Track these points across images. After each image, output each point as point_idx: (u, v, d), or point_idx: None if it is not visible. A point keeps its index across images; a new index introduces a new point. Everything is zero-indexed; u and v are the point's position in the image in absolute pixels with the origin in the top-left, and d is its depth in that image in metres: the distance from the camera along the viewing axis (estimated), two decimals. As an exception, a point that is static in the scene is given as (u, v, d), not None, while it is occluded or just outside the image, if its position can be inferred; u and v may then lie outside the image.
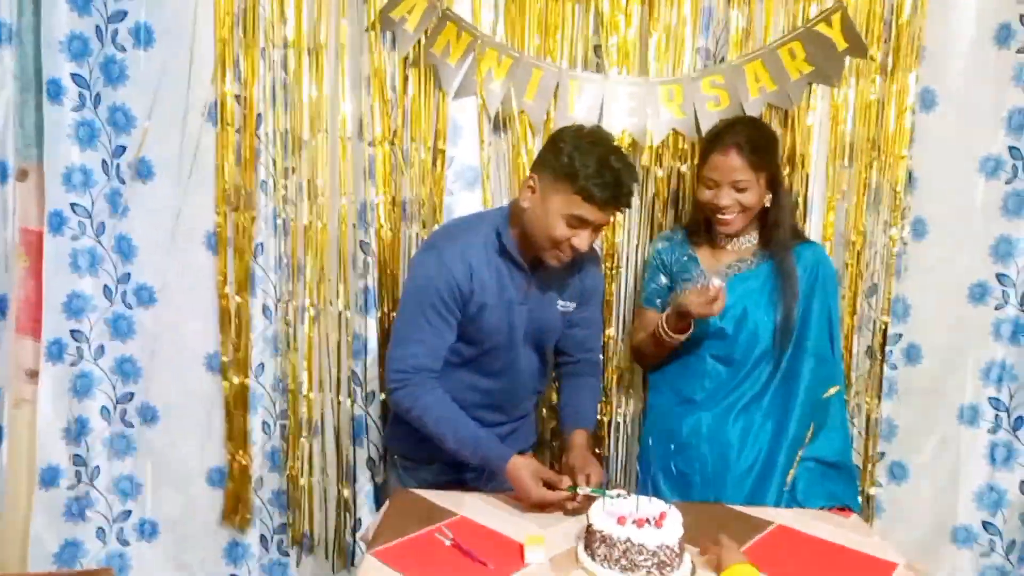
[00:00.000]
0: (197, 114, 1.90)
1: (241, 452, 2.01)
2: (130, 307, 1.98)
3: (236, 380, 1.99)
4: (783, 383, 1.64)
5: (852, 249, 1.93)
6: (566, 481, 1.41)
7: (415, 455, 1.65)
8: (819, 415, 1.63)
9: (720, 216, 1.63)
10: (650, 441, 1.75)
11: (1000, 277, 1.95)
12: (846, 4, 1.83)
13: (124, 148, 1.93)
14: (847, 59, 1.86)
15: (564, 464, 1.56)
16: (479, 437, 1.46)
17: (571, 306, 1.64)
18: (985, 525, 2.00)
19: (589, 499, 1.35)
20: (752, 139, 1.60)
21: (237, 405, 2.00)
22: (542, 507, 1.40)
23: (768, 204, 1.64)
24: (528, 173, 1.51)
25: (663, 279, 1.76)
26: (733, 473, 1.61)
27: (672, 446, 1.67)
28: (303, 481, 2.03)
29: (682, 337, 1.62)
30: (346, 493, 2.02)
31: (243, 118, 1.90)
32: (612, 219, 1.51)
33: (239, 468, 2.01)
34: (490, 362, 1.58)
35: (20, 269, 1.93)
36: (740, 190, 1.60)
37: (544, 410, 2.00)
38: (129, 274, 1.97)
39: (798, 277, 1.63)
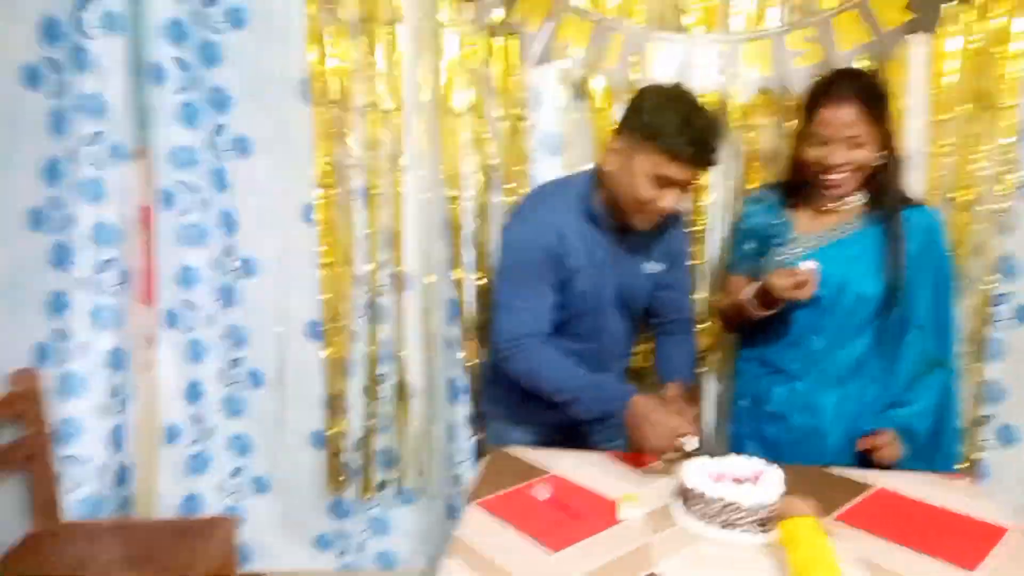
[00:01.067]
0: (289, 91, 1.97)
1: (341, 417, 2.12)
2: (236, 278, 2.11)
3: (336, 348, 2.08)
4: (884, 356, 1.54)
5: (957, 206, 1.84)
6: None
7: (511, 416, 1.70)
8: (919, 390, 1.54)
9: (829, 177, 1.50)
10: (740, 405, 1.73)
11: (1118, 231, 1.82)
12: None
13: (223, 127, 2.03)
14: (945, 4, 1.75)
15: None
16: (599, 380, 1.48)
17: (658, 268, 1.63)
18: (1101, 491, 1.91)
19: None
20: (867, 90, 1.47)
21: (337, 371, 2.10)
22: (659, 450, 1.38)
23: (880, 162, 1.51)
24: (613, 136, 1.49)
25: (751, 244, 1.67)
26: (828, 445, 1.56)
27: (762, 413, 1.64)
28: (405, 439, 2.13)
29: (769, 313, 1.54)
30: (448, 450, 2.10)
31: (332, 93, 1.95)
32: (699, 178, 1.48)
33: (339, 433, 2.12)
34: (578, 326, 1.60)
35: (137, 243, 2.07)
36: (855, 146, 1.46)
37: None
38: (233, 247, 2.09)
39: (906, 244, 1.51)
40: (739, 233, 1.73)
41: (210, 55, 1.98)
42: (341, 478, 2.14)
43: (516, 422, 1.69)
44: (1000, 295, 1.89)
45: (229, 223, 2.08)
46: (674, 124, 1.34)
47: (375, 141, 1.97)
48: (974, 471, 1.94)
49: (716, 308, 1.85)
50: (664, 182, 1.39)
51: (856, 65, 1.77)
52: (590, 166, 1.63)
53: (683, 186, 1.42)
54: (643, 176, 1.39)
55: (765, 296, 1.50)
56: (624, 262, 1.58)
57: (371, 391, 2.12)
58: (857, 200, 1.56)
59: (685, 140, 1.34)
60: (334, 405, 2.11)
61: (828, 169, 1.50)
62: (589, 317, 1.60)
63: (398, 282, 2.05)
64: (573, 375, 1.48)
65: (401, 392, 2.11)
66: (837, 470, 1.46)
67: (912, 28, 1.78)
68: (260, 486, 2.21)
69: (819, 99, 1.50)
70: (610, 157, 1.46)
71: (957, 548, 1.12)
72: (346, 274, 2.05)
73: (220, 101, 2.01)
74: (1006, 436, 1.96)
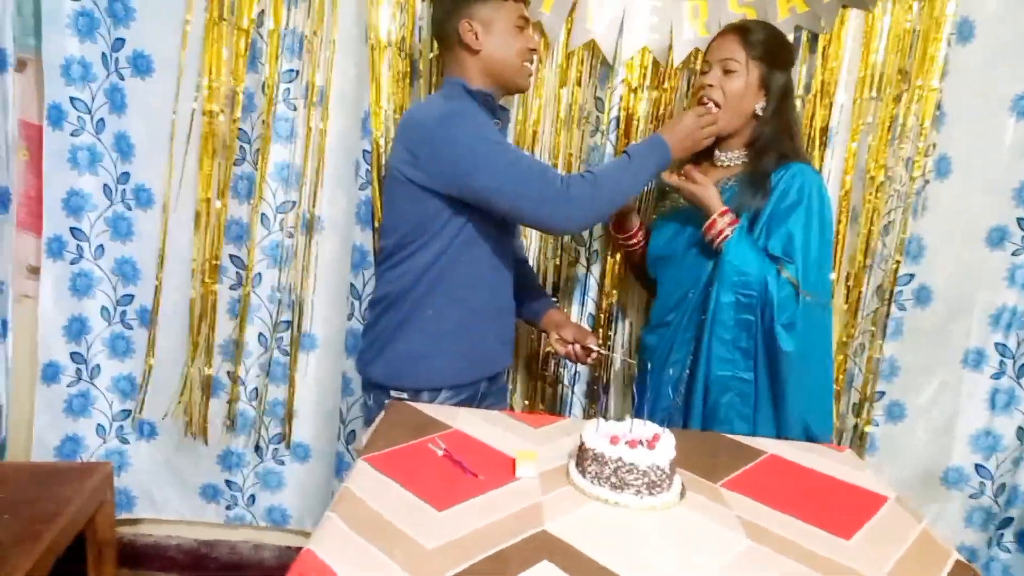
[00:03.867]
0: (198, 7, 1.81)
1: (235, 364, 2.01)
2: (129, 208, 1.95)
3: (236, 290, 1.98)
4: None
5: (872, 184, 1.87)
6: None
7: (411, 388, 1.54)
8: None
9: (703, 99, 1.55)
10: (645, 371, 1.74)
11: (1020, 222, 1.88)
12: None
13: (123, 41, 1.86)
14: (884, -17, 1.76)
15: (559, 340, 1.61)
16: (631, 152, 1.47)
17: None
18: (977, 468, 2.01)
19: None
20: (758, 31, 1.55)
21: (234, 315, 1.99)
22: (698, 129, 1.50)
23: (760, 112, 1.56)
24: (459, 26, 1.46)
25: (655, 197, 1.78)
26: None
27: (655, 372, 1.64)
28: (300, 391, 2.05)
29: (624, 237, 1.71)
30: (340, 405, 2.03)
31: (239, 12, 1.81)
32: None
33: (232, 378, 2.03)
34: (503, 237, 1.55)
35: (20, 163, 1.89)
36: (727, 71, 1.53)
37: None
38: (128, 174, 1.93)
39: (763, 199, 1.50)
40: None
41: (112, -37, 1.80)
42: (233, 427, 2.05)
43: (412, 390, 1.55)
44: (903, 276, 1.95)
45: (124, 147, 1.91)
46: None
47: (289, 72, 1.85)
48: (863, 444, 2.01)
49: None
50: (524, 22, 1.51)
51: (791, 35, 1.76)
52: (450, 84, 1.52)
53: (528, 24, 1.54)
54: (509, 30, 1.48)
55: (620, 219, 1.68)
56: None
57: (271, 340, 2.02)
58: (738, 158, 1.60)
59: None
60: (229, 350, 2.01)
61: (702, 89, 1.55)
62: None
63: (305, 224, 1.94)
64: (620, 162, 1.47)
65: (299, 341, 2.02)
66: (730, 436, 1.47)
67: (852, 2, 1.77)
68: (146, 431, 2.09)
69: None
70: (471, 39, 1.47)
71: (836, 517, 1.14)
72: (250, 211, 1.93)
73: (121, 12, 1.84)
74: (896, 413, 2.04)
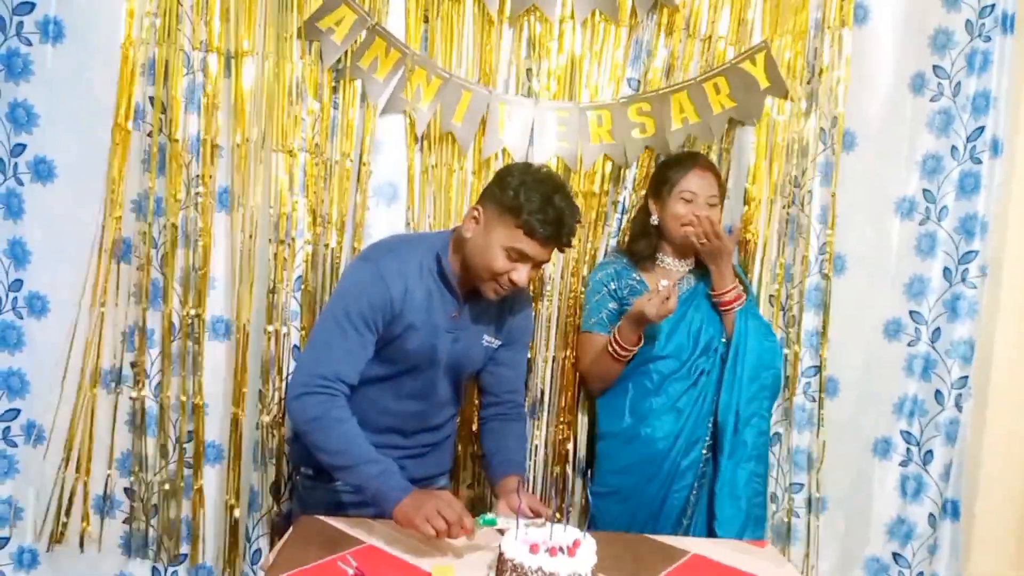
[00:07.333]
0: (105, 115, 1.80)
1: (139, 476, 1.88)
2: (20, 316, 1.84)
3: (134, 398, 1.87)
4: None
5: (776, 283, 1.96)
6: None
7: (320, 468, 1.51)
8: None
9: (688, 228, 1.69)
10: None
11: (913, 314, 2.00)
12: (770, 44, 1.89)
13: (24, 147, 1.81)
14: (768, 98, 1.91)
15: (497, 512, 1.47)
16: (385, 467, 1.36)
17: (496, 343, 1.61)
18: (895, 556, 2.03)
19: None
20: (716, 169, 1.78)
21: (135, 426, 1.87)
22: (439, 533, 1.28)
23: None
24: (473, 204, 1.50)
25: (613, 304, 1.76)
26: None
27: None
28: (203, 507, 1.91)
29: (635, 349, 1.68)
30: (247, 522, 1.89)
31: (160, 122, 1.81)
32: (550, 257, 1.49)
33: (137, 495, 1.88)
34: (406, 383, 1.53)
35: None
36: (712, 205, 1.71)
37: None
38: (21, 280, 1.84)
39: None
40: (599, 296, 1.79)
41: (16, 69, 1.77)
42: (132, 548, 1.89)
43: (326, 479, 1.53)
44: (811, 369, 2.01)
45: (19, 253, 1.83)
46: (536, 202, 1.38)
47: (199, 177, 1.84)
48: (787, 537, 2.00)
49: (581, 369, 1.87)
50: (518, 256, 1.42)
51: (686, 147, 1.91)
52: (449, 227, 1.61)
53: (536, 263, 1.45)
54: (499, 247, 1.41)
55: (633, 329, 1.66)
56: (465, 329, 1.55)
57: (173, 452, 1.90)
58: (683, 266, 1.80)
59: (544, 219, 1.38)
60: (125, 465, 1.89)
61: (691, 221, 1.69)
62: (419, 375, 1.53)
63: (211, 331, 1.90)
64: (362, 444, 1.37)
65: (205, 454, 1.91)
66: (653, 537, 1.45)
67: (738, 114, 1.91)
68: (27, 560, 1.89)
69: (684, 166, 1.73)
70: (469, 224, 1.47)
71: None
72: (155, 318, 1.86)
73: (23, 118, 1.80)
74: (814, 505, 2.02)
